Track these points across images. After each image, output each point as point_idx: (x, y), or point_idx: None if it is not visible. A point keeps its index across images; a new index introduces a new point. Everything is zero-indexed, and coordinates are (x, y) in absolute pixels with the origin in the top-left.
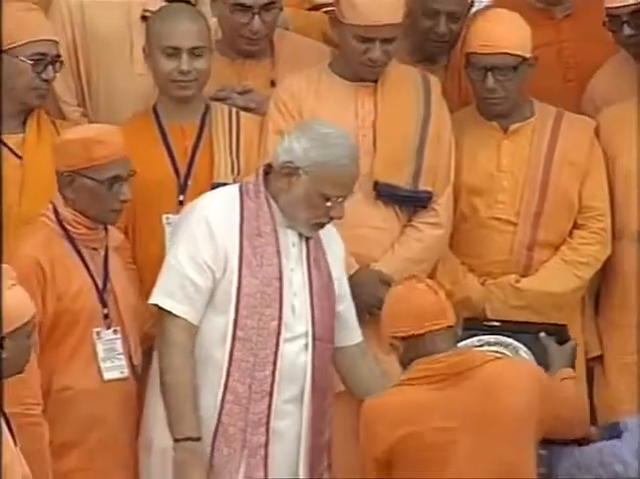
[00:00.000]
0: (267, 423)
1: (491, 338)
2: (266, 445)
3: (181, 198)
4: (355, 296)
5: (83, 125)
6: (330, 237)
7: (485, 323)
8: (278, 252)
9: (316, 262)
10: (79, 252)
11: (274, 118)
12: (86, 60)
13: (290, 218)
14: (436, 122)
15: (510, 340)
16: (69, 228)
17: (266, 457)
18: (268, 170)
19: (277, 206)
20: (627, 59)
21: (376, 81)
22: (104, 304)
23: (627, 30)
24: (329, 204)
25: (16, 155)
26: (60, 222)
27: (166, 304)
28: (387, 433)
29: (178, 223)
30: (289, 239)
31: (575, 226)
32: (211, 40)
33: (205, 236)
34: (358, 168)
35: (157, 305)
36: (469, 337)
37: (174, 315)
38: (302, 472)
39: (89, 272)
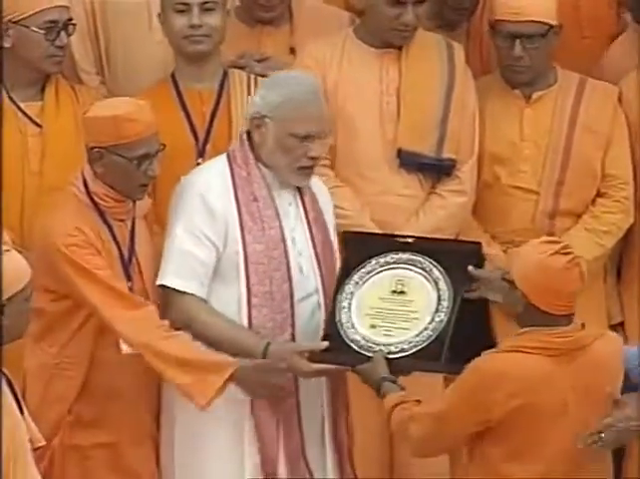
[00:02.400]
0: (296, 387)
1: (405, 256)
2: (298, 409)
3: (200, 161)
4: None
5: (112, 99)
6: (322, 193)
7: (399, 240)
8: (277, 215)
9: (315, 219)
10: (108, 225)
11: None
12: (104, 28)
13: (275, 170)
14: (460, 89)
15: (423, 258)
16: (98, 200)
17: (300, 421)
18: (249, 134)
19: (265, 167)
20: None
21: (400, 47)
22: (128, 278)
23: None
24: (303, 143)
25: (36, 123)
26: (89, 194)
27: (175, 284)
28: (504, 402)
29: (174, 201)
30: (285, 200)
31: (598, 194)
32: None
33: (201, 209)
34: (322, 102)
35: (164, 286)
36: (381, 254)
37: (184, 293)
38: (328, 431)
39: (117, 245)
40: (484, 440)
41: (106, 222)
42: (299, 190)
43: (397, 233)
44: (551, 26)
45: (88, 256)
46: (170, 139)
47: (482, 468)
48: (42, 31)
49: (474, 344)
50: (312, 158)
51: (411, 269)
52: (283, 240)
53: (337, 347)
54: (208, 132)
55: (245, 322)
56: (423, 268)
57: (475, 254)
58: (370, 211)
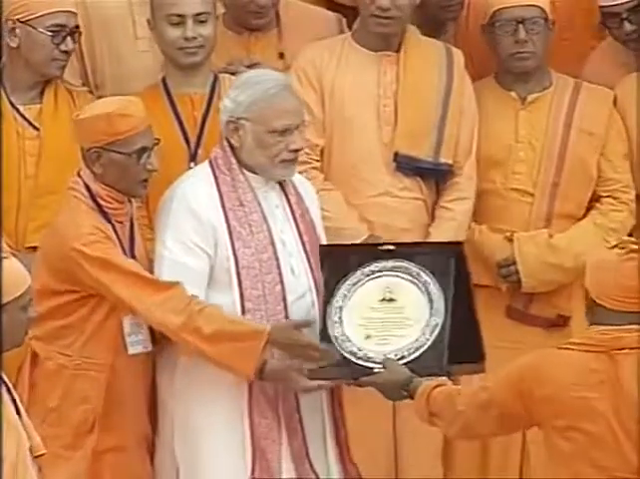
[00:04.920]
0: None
1: (389, 264)
2: (298, 410)
3: (192, 165)
4: None
5: (102, 99)
6: (307, 192)
7: (380, 248)
8: (265, 218)
9: (302, 219)
10: (112, 227)
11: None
12: (89, 40)
13: (258, 168)
14: (458, 94)
15: (408, 264)
16: (101, 202)
17: (301, 421)
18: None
19: (249, 171)
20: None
21: (398, 51)
22: None
23: (628, 27)
24: (283, 137)
25: (33, 126)
26: (93, 197)
27: None
28: (531, 392)
29: (160, 212)
30: (272, 203)
31: (602, 195)
32: (215, 6)
33: (189, 218)
34: (293, 94)
35: None
36: (365, 264)
37: None
38: (329, 430)
39: (121, 246)
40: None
41: (110, 223)
42: (284, 191)
43: (376, 242)
44: (547, 16)
45: (110, 250)
46: (162, 143)
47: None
48: (49, 33)
49: (467, 341)
50: (294, 150)
51: (398, 276)
52: (272, 243)
53: (334, 362)
54: (200, 136)
55: None
56: (410, 274)
57: (457, 254)
58: (369, 213)
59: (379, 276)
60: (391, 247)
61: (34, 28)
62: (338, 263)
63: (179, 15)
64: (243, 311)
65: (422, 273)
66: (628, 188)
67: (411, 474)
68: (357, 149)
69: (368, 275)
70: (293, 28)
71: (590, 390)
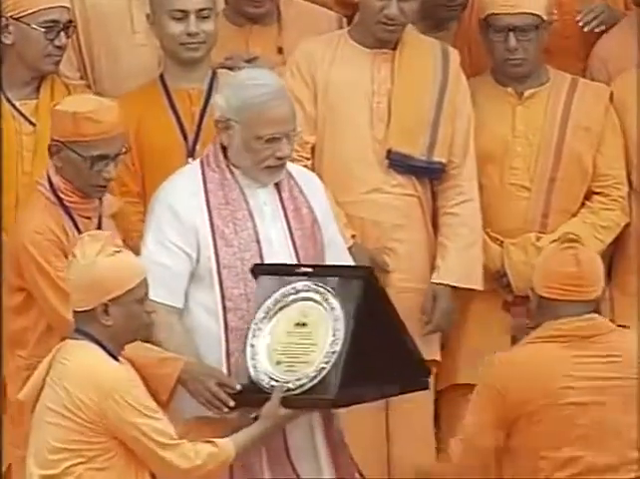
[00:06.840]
0: None
1: (304, 286)
2: None
3: (190, 161)
4: None
5: (85, 95)
6: (307, 183)
7: (297, 270)
8: (251, 216)
9: (296, 213)
10: (74, 222)
11: (286, 80)
12: (86, 34)
13: (243, 169)
14: (453, 93)
15: (319, 287)
16: (62, 196)
17: None
18: None
19: (237, 169)
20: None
21: (394, 48)
22: None
23: None
24: (270, 144)
25: (30, 122)
26: (54, 190)
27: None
28: (518, 389)
29: (148, 211)
30: (260, 200)
31: (594, 192)
32: (216, 2)
33: (170, 219)
34: (285, 102)
35: None
36: (284, 287)
37: (156, 303)
38: (319, 432)
39: None
40: (512, 431)
41: (71, 218)
42: (277, 187)
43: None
44: (543, 20)
45: (51, 257)
46: (160, 139)
47: (514, 463)
48: (42, 29)
49: (380, 367)
50: (279, 158)
51: (311, 299)
52: (257, 241)
53: (247, 388)
54: (198, 132)
55: (222, 326)
56: (320, 297)
57: (365, 279)
58: (360, 210)
59: (296, 300)
60: (308, 270)
61: (27, 25)
62: (265, 284)
63: (182, 10)
64: (225, 311)
65: (330, 297)
66: (621, 184)
67: (403, 467)
68: (349, 145)
69: (286, 296)
70: (294, 24)
71: (565, 380)
